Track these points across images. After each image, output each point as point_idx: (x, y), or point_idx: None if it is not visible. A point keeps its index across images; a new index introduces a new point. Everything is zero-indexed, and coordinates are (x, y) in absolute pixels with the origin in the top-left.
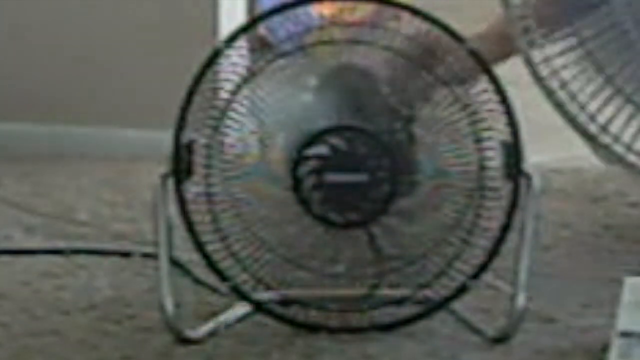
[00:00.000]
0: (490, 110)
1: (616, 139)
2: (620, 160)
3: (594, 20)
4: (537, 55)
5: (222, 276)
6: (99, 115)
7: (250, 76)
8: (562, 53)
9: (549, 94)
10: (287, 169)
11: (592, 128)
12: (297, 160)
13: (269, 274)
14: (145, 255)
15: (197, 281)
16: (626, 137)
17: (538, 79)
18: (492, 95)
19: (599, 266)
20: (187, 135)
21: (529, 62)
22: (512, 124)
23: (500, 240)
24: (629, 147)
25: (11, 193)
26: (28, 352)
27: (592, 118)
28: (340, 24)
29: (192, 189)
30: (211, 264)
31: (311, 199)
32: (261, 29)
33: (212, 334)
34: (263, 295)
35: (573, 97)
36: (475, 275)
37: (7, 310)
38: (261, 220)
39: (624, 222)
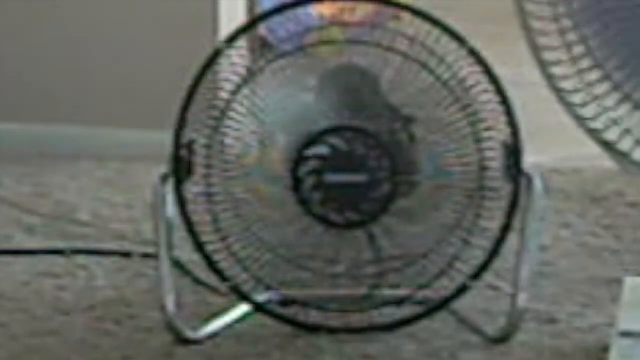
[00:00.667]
0: (491, 111)
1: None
2: None
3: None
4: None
5: (222, 276)
6: (99, 116)
7: (250, 76)
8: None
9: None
10: (287, 169)
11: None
12: (297, 160)
13: (269, 274)
14: (145, 255)
15: (197, 281)
16: None
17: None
18: (492, 96)
19: (599, 266)
20: (187, 135)
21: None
22: (512, 124)
23: (500, 240)
24: None
25: (11, 193)
26: (28, 352)
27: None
28: (340, 24)
29: (192, 189)
30: (211, 264)
31: (311, 199)
32: (261, 29)
33: (213, 334)
34: (263, 295)
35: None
36: (475, 275)
37: (7, 310)
38: (261, 220)
39: (624, 222)
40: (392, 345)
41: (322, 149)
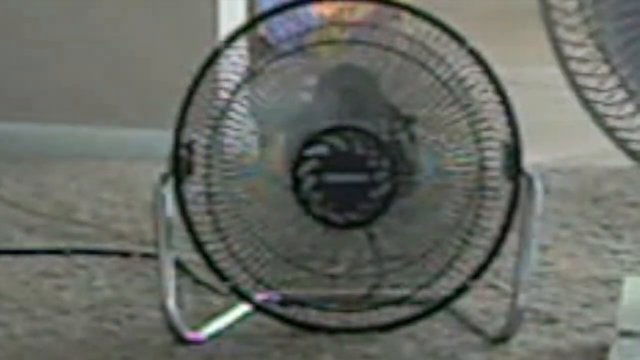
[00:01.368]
0: (490, 111)
1: None
2: None
3: None
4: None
5: (222, 276)
6: (98, 115)
7: (250, 76)
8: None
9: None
10: (287, 169)
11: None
12: (297, 160)
13: (269, 274)
14: (145, 255)
15: (197, 281)
16: None
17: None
18: (492, 96)
19: (599, 266)
20: (187, 135)
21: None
22: (512, 124)
23: (500, 240)
24: None
25: (11, 193)
26: (28, 352)
27: None
28: (340, 24)
29: (192, 189)
30: (211, 264)
31: (311, 199)
32: (261, 29)
33: (213, 334)
34: (263, 295)
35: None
36: (475, 275)
37: (7, 310)
38: (261, 220)
39: (624, 222)
40: (392, 345)
41: (322, 149)
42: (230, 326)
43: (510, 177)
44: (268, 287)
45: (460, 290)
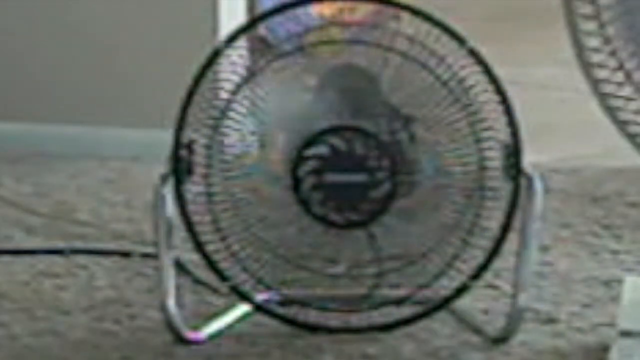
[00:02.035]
0: (490, 111)
1: None
2: None
3: None
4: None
5: (222, 276)
6: (99, 115)
7: (250, 76)
8: None
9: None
10: (287, 169)
11: None
12: (297, 160)
13: (269, 274)
14: (145, 255)
15: (197, 281)
16: None
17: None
18: (492, 96)
19: (599, 266)
20: (187, 135)
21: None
22: (512, 124)
23: (500, 240)
24: None
25: (11, 193)
26: (28, 352)
27: None
28: (340, 24)
29: (192, 189)
30: (211, 264)
31: (311, 199)
32: (261, 29)
33: (213, 334)
34: (263, 295)
35: None
36: (475, 275)
37: (7, 310)
38: (261, 220)
39: (624, 222)
40: (392, 345)
41: (322, 149)
42: (230, 326)
43: (510, 177)
44: (268, 287)
45: (460, 290)
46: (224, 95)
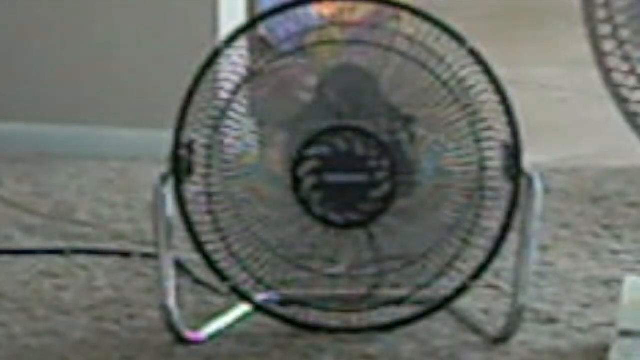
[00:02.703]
0: (490, 111)
1: None
2: None
3: None
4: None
5: (222, 276)
6: (99, 116)
7: (250, 76)
8: None
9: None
10: (287, 169)
11: None
12: (297, 160)
13: (269, 274)
14: (145, 255)
15: (197, 281)
16: None
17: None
18: (492, 96)
19: (599, 266)
20: (187, 135)
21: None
22: (512, 124)
23: (500, 240)
24: None
25: (11, 193)
26: (28, 352)
27: None
28: (340, 24)
29: (192, 189)
30: (211, 264)
31: (311, 199)
32: (261, 29)
33: (213, 334)
34: (263, 295)
35: None
36: (475, 275)
37: (7, 310)
38: (261, 220)
39: (624, 222)
40: (392, 345)
41: (322, 149)
42: (230, 326)
43: (510, 177)
44: (268, 287)
45: (460, 290)
46: (224, 95)
